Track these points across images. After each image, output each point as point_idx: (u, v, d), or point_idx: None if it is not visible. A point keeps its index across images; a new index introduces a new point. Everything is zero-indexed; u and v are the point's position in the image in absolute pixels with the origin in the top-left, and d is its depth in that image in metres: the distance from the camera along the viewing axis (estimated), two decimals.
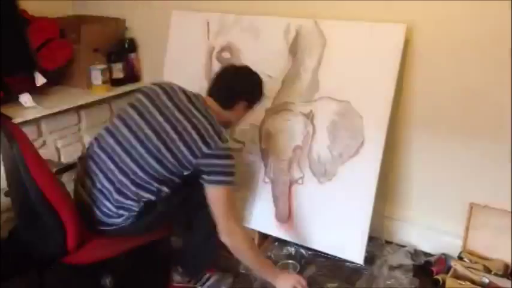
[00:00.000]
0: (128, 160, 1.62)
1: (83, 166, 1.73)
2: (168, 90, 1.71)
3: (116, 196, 1.63)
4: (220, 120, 1.72)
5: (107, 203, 1.66)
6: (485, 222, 2.01)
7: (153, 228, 1.78)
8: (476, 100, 1.95)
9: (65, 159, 2.48)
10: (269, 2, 2.27)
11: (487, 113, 1.95)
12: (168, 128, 1.61)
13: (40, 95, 2.37)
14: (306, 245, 2.21)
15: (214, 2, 2.42)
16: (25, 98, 2.30)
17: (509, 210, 1.96)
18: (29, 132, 2.28)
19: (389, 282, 2.01)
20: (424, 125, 2.09)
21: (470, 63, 1.92)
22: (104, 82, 2.55)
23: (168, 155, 1.60)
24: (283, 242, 2.26)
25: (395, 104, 2.00)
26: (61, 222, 1.55)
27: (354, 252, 2.07)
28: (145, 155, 1.60)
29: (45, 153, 2.37)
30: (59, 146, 2.45)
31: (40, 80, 2.35)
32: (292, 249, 2.24)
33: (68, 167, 2.45)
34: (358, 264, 2.08)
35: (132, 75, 2.76)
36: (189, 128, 1.61)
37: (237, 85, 1.80)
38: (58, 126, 2.43)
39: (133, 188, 1.62)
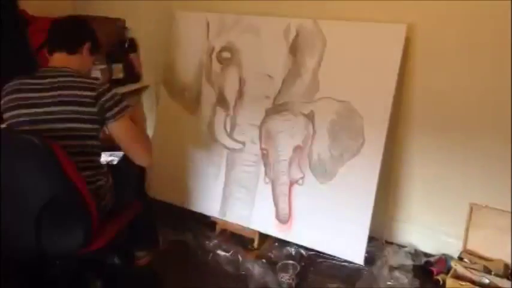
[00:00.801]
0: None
1: None
2: (27, 86, 1.69)
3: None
4: (73, 67, 1.73)
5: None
6: (485, 222, 2.01)
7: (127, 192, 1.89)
8: (476, 100, 1.95)
9: None
10: (269, 2, 2.27)
11: (487, 113, 1.95)
12: (56, 107, 1.63)
13: None
14: (306, 245, 2.21)
15: (214, 2, 2.42)
16: None
17: (509, 210, 1.96)
18: None
19: (389, 283, 2.01)
20: (424, 125, 2.09)
21: (470, 63, 1.92)
22: (103, 82, 2.55)
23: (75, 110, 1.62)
24: (284, 242, 2.26)
25: (395, 104, 2.00)
26: (89, 209, 1.59)
27: (354, 252, 2.07)
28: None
29: None
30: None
31: None
32: (292, 250, 2.23)
33: None
34: (358, 264, 2.08)
35: (132, 75, 2.76)
36: (68, 92, 1.63)
37: (77, 30, 1.81)
38: None
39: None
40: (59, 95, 1.62)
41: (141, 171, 2.00)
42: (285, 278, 2.03)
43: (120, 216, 1.81)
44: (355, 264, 2.09)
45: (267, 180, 2.25)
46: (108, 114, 1.65)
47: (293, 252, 2.23)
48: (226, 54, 2.36)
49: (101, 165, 1.75)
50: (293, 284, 2.02)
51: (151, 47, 2.76)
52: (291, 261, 2.10)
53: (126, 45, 2.72)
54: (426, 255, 2.19)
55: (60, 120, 1.63)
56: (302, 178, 2.17)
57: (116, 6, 2.73)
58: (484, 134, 1.97)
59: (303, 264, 2.14)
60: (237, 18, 2.32)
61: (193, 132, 2.47)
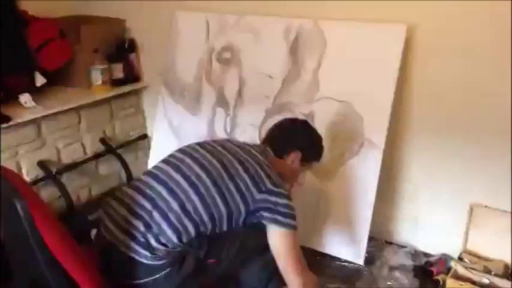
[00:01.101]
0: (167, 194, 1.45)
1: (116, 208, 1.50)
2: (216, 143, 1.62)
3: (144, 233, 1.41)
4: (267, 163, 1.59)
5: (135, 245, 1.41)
6: (485, 222, 2.01)
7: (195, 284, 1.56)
8: (476, 100, 1.95)
9: (65, 160, 2.48)
10: (269, 2, 2.27)
11: (487, 113, 1.94)
12: (224, 169, 1.49)
13: (40, 95, 2.37)
14: (306, 245, 2.20)
15: (214, 2, 2.42)
16: (25, 98, 2.29)
17: (510, 210, 1.96)
18: (29, 132, 2.29)
19: (389, 283, 2.01)
20: (424, 126, 2.09)
21: (470, 63, 1.92)
22: (103, 82, 2.55)
23: (231, 186, 1.47)
24: None
25: (395, 104, 2.00)
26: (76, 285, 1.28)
27: (354, 252, 2.07)
28: (207, 181, 1.46)
29: (45, 153, 2.37)
30: (59, 146, 2.45)
31: (40, 80, 2.35)
32: None
33: (68, 167, 2.46)
34: (358, 264, 2.08)
35: (132, 75, 2.76)
36: (240, 170, 1.50)
37: (293, 134, 1.70)
38: (58, 126, 2.42)
39: (183, 218, 1.42)
40: (232, 164, 1.50)
41: None
42: None
43: None
44: (355, 264, 2.09)
45: None
46: (265, 214, 1.47)
47: None
48: (226, 55, 2.36)
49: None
50: None
51: (151, 47, 2.76)
52: None
53: (126, 46, 2.72)
54: (426, 255, 2.19)
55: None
56: (302, 178, 2.17)
57: (116, 6, 2.73)
58: (484, 134, 1.97)
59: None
60: (237, 18, 2.32)
61: (193, 132, 2.47)
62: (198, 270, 1.50)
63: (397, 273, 2.05)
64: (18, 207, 1.17)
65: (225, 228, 1.48)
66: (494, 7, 1.80)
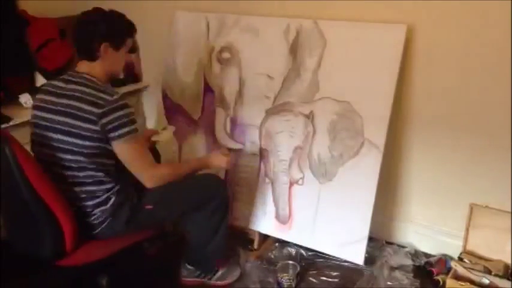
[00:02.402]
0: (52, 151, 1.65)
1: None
2: (50, 88, 1.70)
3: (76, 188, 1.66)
4: (99, 75, 1.69)
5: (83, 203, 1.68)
6: (485, 223, 2.01)
7: (135, 229, 1.79)
8: (476, 100, 1.95)
9: None
10: (269, 2, 2.27)
11: (487, 113, 1.94)
12: (61, 117, 1.63)
13: None
14: (306, 245, 2.21)
15: (214, 2, 2.42)
16: (25, 98, 2.29)
17: (509, 211, 1.96)
18: (29, 132, 2.28)
19: (389, 283, 2.01)
20: (424, 126, 2.09)
21: (470, 63, 1.92)
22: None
23: (75, 131, 1.61)
24: (284, 243, 2.26)
25: (395, 104, 2.00)
26: (57, 222, 1.57)
27: (354, 252, 2.06)
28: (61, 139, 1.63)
29: None
30: None
31: (40, 80, 2.35)
32: (292, 250, 2.24)
33: None
34: (358, 264, 2.08)
35: (132, 75, 2.76)
36: (75, 104, 1.60)
37: (86, 31, 1.67)
38: None
39: (76, 173, 1.65)
40: (67, 105, 1.61)
41: None
42: (285, 278, 2.02)
43: (118, 239, 1.76)
44: (355, 264, 2.09)
45: (267, 180, 2.25)
46: (111, 135, 1.60)
47: (293, 253, 2.23)
48: (226, 55, 2.35)
49: (99, 183, 1.68)
50: (293, 285, 2.02)
51: (151, 47, 2.76)
52: (291, 262, 2.10)
53: None
54: (426, 255, 2.19)
55: (61, 132, 1.62)
56: (302, 178, 2.17)
57: (116, 5, 2.71)
58: (484, 134, 1.97)
59: (303, 264, 2.14)
60: (237, 18, 2.32)
61: (193, 132, 2.47)
62: (136, 216, 1.73)
63: (397, 274, 2.05)
64: (6, 150, 1.48)
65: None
66: (494, 7, 1.80)
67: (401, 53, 1.94)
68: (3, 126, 2.12)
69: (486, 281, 1.89)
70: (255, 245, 2.29)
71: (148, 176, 1.70)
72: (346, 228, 2.07)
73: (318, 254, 2.20)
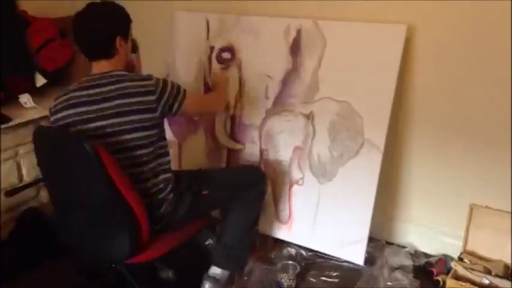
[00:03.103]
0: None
1: None
2: (80, 99, 1.62)
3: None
4: (120, 68, 1.68)
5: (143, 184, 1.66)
6: (485, 223, 2.00)
7: (193, 218, 1.82)
8: (476, 100, 1.95)
9: None
10: (269, 2, 2.26)
11: (487, 113, 1.94)
12: (116, 119, 1.58)
13: (40, 95, 2.37)
14: (306, 245, 2.21)
15: (214, 2, 2.42)
16: (25, 99, 2.30)
17: (510, 211, 1.96)
18: (29, 132, 2.28)
19: (389, 283, 2.01)
20: (424, 126, 2.09)
21: (470, 63, 1.92)
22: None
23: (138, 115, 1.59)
24: (284, 243, 2.26)
25: (395, 104, 2.00)
26: (136, 219, 1.56)
27: (354, 253, 2.07)
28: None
29: None
30: None
31: (40, 80, 2.35)
32: (292, 250, 2.24)
33: None
34: (358, 265, 2.08)
35: None
36: (129, 100, 1.58)
37: (97, 30, 1.61)
38: None
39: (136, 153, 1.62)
40: (117, 106, 1.57)
41: None
42: (285, 278, 2.02)
43: (180, 231, 1.79)
44: (355, 264, 2.09)
45: (267, 180, 2.25)
46: (174, 109, 1.67)
47: (293, 253, 2.23)
48: (226, 55, 2.35)
49: (164, 173, 1.70)
50: (293, 285, 2.02)
51: (151, 47, 2.76)
52: (291, 262, 2.10)
53: None
54: (426, 255, 2.19)
55: (125, 132, 1.58)
56: (302, 178, 2.17)
57: None
58: (484, 134, 1.96)
59: (303, 264, 2.14)
60: (237, 18, 2.32)
61: (193, 132, 2.47)
62: (195, 204, 1.76)
63: (397, 274, 2.05)
64: (87, 147, 1.44)
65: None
66: (494, 7, 1.80)
67: (401, 53, 1.94)
68: (3, 126, 2.13)
69: (486, 281, 1.89)
70: (255, 245, 2.29)
71: (213, 105, 2.06)
72: (346, 228, 2.07)
73: (318, 254, 2.20)
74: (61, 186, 1.66)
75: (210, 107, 2.10)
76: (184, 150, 2.51)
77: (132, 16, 2.71)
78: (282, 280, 2.03)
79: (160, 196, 1.69)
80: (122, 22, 1.69)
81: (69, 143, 1.55)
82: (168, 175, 1.71)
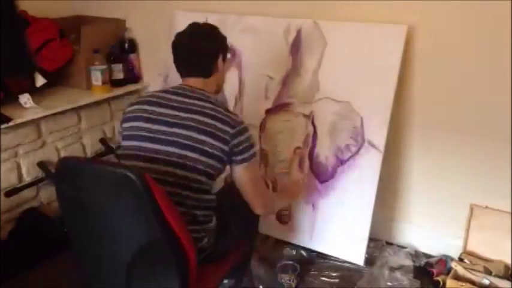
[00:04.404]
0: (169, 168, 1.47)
1: None
2: (159, 100, 1.55)
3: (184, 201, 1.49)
4: (210, 91, 1.60)
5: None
6: (485, 223, 2.00)
7: (235, 235, 1.70)
8: (476, 100, 1.95)
9: None
10: (269, 2, 2.26)
11: (487, 113, 1.94)
12: (182, 131, 1.47)
13: (40, 95, 2.37)
14: (306, 246, 2.21)
15: (214, 2, 2.42)
16: (25, 99, 2.29)
17: (510, 211, 1.96)
18: (29, 132, 2.29)
19: (389, 284, 2.01)
20: (424, 126, 2.09)
21: (470, 63, 1.92)
22: (103, 83, 2.55)
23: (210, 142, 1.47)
24: (284, 243, 2.26)
25: (395, 105, 2.00)
26: (187, 259, 1.36)
27: (355, 253, 2.07)
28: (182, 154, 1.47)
29: (45, 153, 2.37)
30: (58, 146, 2.45)
31: (40, 80, 2.35)
32: (292, 251, 2.23)
33: None
34: (358, 265, 2.08)
35: (132, 76, 2.76)
36: (204, 119, 1.48)
37: (203, 50, 1.58)
38: (58, 126, 2.43)
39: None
40: (192, 119, 1.47)
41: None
42: (285, 278, 2.02)
43: (225, 261, 1.65)
44: (356, 265, 2.09)
45: (268, 181, 2.24)
46: (237, 158, 1.50)
47: (294, 253, 2.22)
48: None
49: (208, 205, 1.55)
50: (293, 285, 2.02)
51: (151, 47, 2.76)
52: (291, 262, 2.10)
53: (126, 46, 2.72)
54: (426, 256, 2.19)
55: (183, 146, 1.45)
56: (302, 178, 2.17)
57: (116, 6, 2.73)
58: (484, 134, 1.96)
59: (303, 265, 2.14)
60: (237, 18, 2.32)
61: None
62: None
63: (397, 274, 2.05)
64: (134, 177, 1.20)
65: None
66: (494, 7, 1.79)
67: (401, 53, 1.94)
68: (3, 126, 2.13)
69: (486, 282, 1.89)
70: (255, 246, 2.29)
71: (264, 203, 1.62)
72: (346, 228, 2.07)
73: (318, 254, 2.20)
74: (90, 231, 1.41)
75: (267, 199, 1.69)
76: None
77: (132, 16, 2.74)
78: (282, 280, 2.02)
79: (204, 227, 1.55)
80: (224, 42, 1.66)
81: (110, 175, 1.29)
82: (213, 205, 1.59)
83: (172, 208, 1.30)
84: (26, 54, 2.29)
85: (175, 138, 1.46)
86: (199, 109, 1.49)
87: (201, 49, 1.57)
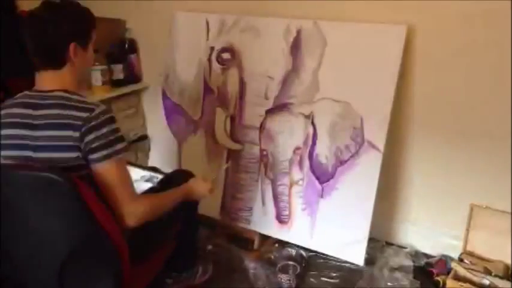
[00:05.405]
0: None
1: None
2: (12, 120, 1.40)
3: None
4: (70, 85, 1.42)
5: None
6: (485, 223, 2.00)
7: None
8: (476, 100, 1.95)
9: None
10: (269, 2, 2.26)
11: (487, 113, 1.94)
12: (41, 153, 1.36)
13: None
14: (306, 246, 2.21)
15: (214, 3, 2.42)
16: None
17: (510, 211, 1.96)
18: None
19: (389, 284, 2.01)
20: (424, 126, 2.09)
21: (470, 64, 1.92)
22: (104, 83, 2.55)
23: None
24: (284, 243, 2.26)
25: (395, 105, 1.99)
26: (117, 250, 1.37)
27: (355, 253, 2.06)
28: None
29: None
30: None
31: None
32: (292, 251, 2.23)
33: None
34: (358, 265, 2.07)
35: (132, 76, 2.76)
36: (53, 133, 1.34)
37: (51, 35, 1.37)
38: None
39: None
40: (46, 138, 1.35)
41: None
42: (285, 279, 2.02)
43: (154, 257, 1.67)
44: (356, 265, 2.09)
45: (267, 181, 2.25)
46: (92, 156, 1.34)
47: (293, 253, 2.22)
48: (226, 55, 2.35)
49: None
50: (293, 285, 2.02)
51: (151, 48, 2.76)
52: (291, 262, 2.10)
53: (126, 46, 2.72)
54: (426, 256, 2.19)
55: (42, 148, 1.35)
56: (302, 179, 2.17)
57: (116, 6, 2.73)
58: (484, 135, 1.96)
59: (303, 265, 2.14)
60: (237, 18, 2.32)
61: (194, 132, 2.47)
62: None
63: (397, 274, 2.05)
64: (60, 179, 1.21)
65: None
66: (494, 8, 1.79)
67: (401, 53, 1.94)
68: None
69: (486, 282, 1.89)
70: (255, 246, 2.29)
71: (129, 212, 1.40)
72: (346, 228, 2.07)
73: (318, 254, 2.20)
74: (18, 241, 1.39)
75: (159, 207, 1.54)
76: (184, 150, 2.51)
77: (132, 16, 2.74)
78: (282, 280, 2.03)
79: None
80: (78, 24, 1.41)
81: (30, 178, 1.27)
82: None
83: (100, 206, 1.30)
84: (26, 54, 2.28)
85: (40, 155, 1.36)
86: (52, 121, 1.35)
87: (46, 32, 1.36)
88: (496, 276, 1.90)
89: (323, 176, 2.13)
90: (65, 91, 1.40)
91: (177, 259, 1.91)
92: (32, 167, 1.32)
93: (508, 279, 1.90)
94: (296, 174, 2.18)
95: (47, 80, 1.41)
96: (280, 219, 2.23)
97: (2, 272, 1.45)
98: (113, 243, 1.34)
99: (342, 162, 2.08)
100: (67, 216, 1.30)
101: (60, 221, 1.31)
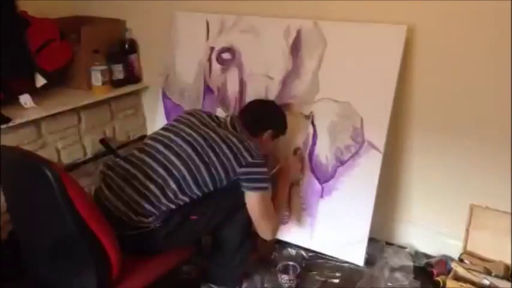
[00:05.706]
0: (178, 163, 1.69)
1: (115, 172, 1.74)
2: (199, 116, 1.86)
3: (159, 196, 1.66)
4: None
5: (145, 204, 1.64)
6: (485, 223, 2.00)
7: (177, 241, 1.75)
8: (476, 101, 1.95)
9: (65, 160, 2.48)
10: (269, 2, 2.26)
11: (487, 114, 1.94)
12: (207, 144, 1.72)
13: (40, 96, 2.37)
14: (306, 246, 2.21)
15: (214, 3, 2.42)
16: (25, 99, 2.29)
17: (510, 211, 1.95)
18: (29, 133, 2.29)
19: (390, 284, 2.01)
20: (424, 127, 2.09)
21: (470, 64, 1.92)
22: (104, 83, 2.55)
23: (217, 163, 1.70)
24: (284, 244, 2.26)
25: (395, 105, 1.99)
26: (104, 250, 1.44)
27: (355, 253, 2.06)
28: (196, 159, 1.69)
29: (45, 154, 2.37)
30: (59, 147, 2.45)
31: (40, 81, 2.35)
32: (292, 251, 2.23)
33: (68, 168, 2.46)
34: (358, 265, 2.07)
35: (132, 76, 2.76)
36: (224, 147, 1.72)
37: (265, 115, 1.96)
38: (58, 127, 2.43)
39: (176, 189, 1.68)
40: (214, 140, 1.73)
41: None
42: (286, 279, 2.02)
43: (162, 258, 1.71)
44: (356, 265, 2.09)
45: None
46: (242, 182, 1.74)
47: (294, 254, 2.23)
48: (226, 55, 2.35)
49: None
50: (293, 285, 2.02)
51: (151, 48, 2.76)
52: (291, 263, 2.10)
53: (126, 46, 2.72)
54: (426, 256, 2.18)
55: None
56: (302, 179, 2.17)
57: (116, 6, 2.73)
58: (484, 135, 1.96)
59: (303, 265, 2.14)
60: (237, 18, 2.32)
61: None
62: (181, 226, 1.71)
63: (397, 274, 2.05)
64: (49, 175, 1.30)
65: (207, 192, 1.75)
66: (494, 7, 1.79)
67: (401, 53, 1.94)
68: (3, 126, 2.13)
69: (486, 282, 1.88)
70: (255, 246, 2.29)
71: (270, 231, 1.88)
72: (347, 229, 2.07)
73: (318, 254, 2.20)
74: (22, 216, 1.57)
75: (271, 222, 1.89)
76: None
77: (132, 16, 2.74)
78: (283, 281, 2.02)
79: (154, 217, 1.65)
80: (280, 125, 2.01)
81: (31, 166, 1.40)
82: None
83: (88, 205, 1.40)
84: (26, 54, 2.29)
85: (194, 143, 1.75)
86: (227, 140, 1.76)
87: (261, 115, 1.97)
88: (496, 276, 1.90)
89: (323, 176, 2.12)
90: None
91: (218, 268, 1.98)
92: (33, 155, 1.48)
93: (508, 280, 1.90)
94: (296, 174, 2.18)
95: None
96: (280, 219, 2.22)
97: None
98: (98, 242, 1.41)
99: (342, 163, 2.08)
100: (50, 208, 1.38)
101: (46, 211, 1.41)
